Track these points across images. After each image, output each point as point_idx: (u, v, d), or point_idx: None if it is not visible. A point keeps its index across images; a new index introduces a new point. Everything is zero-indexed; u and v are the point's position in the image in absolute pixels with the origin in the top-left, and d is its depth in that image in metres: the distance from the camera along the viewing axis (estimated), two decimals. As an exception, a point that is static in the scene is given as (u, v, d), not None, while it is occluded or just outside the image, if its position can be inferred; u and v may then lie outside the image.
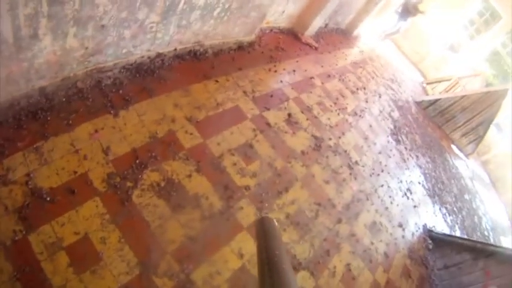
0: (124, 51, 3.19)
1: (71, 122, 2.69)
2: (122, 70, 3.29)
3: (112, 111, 2.95)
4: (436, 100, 9.67)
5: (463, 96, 9.33)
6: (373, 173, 5.01)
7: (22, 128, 2.47)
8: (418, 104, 9.65)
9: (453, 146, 9.94)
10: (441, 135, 9.56)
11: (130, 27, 3.02)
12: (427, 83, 12.30)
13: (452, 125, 9.85)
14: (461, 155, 10.05)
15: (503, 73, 13.87)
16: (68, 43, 2.57)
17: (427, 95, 10.89)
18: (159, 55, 3.63)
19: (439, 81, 12.04)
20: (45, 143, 2.49)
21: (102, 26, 2.73)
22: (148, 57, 3.54)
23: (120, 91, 3.14)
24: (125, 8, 2.79)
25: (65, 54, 2.63)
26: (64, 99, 2.79)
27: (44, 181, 2.34)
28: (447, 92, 10.88)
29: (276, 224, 1.37)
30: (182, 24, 3.56)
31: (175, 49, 3.79)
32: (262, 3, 4.49)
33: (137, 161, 2.79)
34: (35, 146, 2.44)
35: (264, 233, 1.31)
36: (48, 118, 2.61)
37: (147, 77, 3.44)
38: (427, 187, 6.28)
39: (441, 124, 9.87)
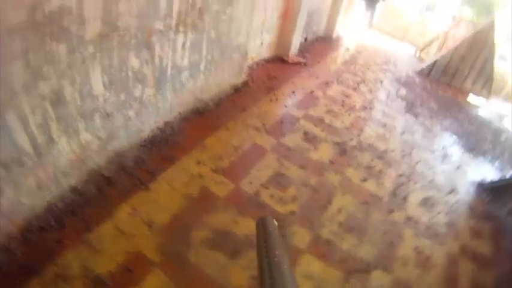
0: (134, 129, 3.27)
1: (108, 208, 2.73)
2: (139, 148, 3.36)
3: (142, 187, 2.99)
4: (434, 62, 9.52)
5: (456, 47, 9.19)
6: (404, 154, 4.88)
7: (65, 227, 2.51)
8: (420, 73, 9.51)
9: (469, 97, 9.67)
10: (454, 92, 9.32)
11: (132, 107, 3.10)
12: (420, 51, 12.16)
13: (459, 77, 9.60)
14: (480, 101, 9.74)
15: (484, 8, 13.56)
16: (82, 138, 2.65)
17: (425, 61, 10.73)
18: (166, 123, 3.70)
19: (430, 44, 11.90)
20: (91, 233, 2.52)
21: (107, 114, 2.82)
22: (158, 128, 3.61)
23: (144, 167, 3.19)
24: (121, 91, 2.88)
25: (83, 150, 2.70)
26: (95, 191, 2.84)
27: (101, 268, 2.34)
28: (441, 49, 10.72)
29: (276, 223, 1.33)
30: (176, 87, 3.65)
31: (179, 113, 3.87)
32: (239, 43, 4.58)
33: (182, 224, 2.79)
34: (82, 239, 2.47)
35: (264, 233, 1.27)
36: (87, 212, 2.66)
37: (163, 146, 3.50)
38: (461, 145, 6.08)
39: (449, 82, 9.65)
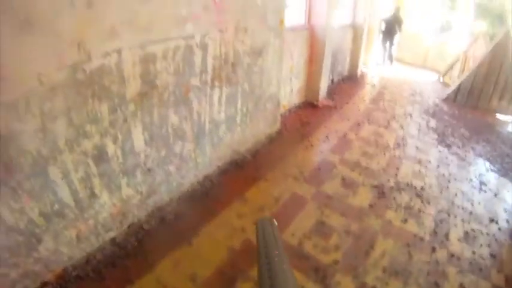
0: (175, 184, 3.31)
1: (150, 261, 2.74)
2: (179, 201, 3.40)
3: (184, 241, 3.00)
4: (459, 86, 9.27)
5: (477, 67, 8.94)
6: (442, 189, 4.74)
7: (105, 279, 2.53)
8: (446, 100, 9.29)
9: (497, 116, 9.35)
10: (481, 113, 9.00)
11: (173, 162, 3.16)
12: (443, 76, 11.96)
13: (485, 97, 9.23)
14: (508, 118, 9.39)
15: (497, 18, 13.09)
16: (124, 193, 2.71)
17: (449, 86, 10.54)
18: (206, 177, 3.73)
19: (451, 67, 11.65)
20: (132, 286, 2.52)
21: (149, 169, 2.87)
22: (198, 182, 3.64)
23: (184, 221, 3.22)
24: (162, 147, 2.95)
25: (124, 204, 2.75)
26: (136, 244, 2.88)
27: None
28: (463, 71, 10.48)
29: (276, 224, 1.34)
30: (214, 142, 3.70)
31: (218, 166, 3.90)
32: (271, 93, 4.63)
33: (225, 277, 2.77)
34: (123, 291, 2.48)
35: (264, 233, 1.28)
36: (127, 264, 2.67)
37: (203, 200, 3.54)
38: (496, 169, 5.86)
39: (475, 103, 9.32)
